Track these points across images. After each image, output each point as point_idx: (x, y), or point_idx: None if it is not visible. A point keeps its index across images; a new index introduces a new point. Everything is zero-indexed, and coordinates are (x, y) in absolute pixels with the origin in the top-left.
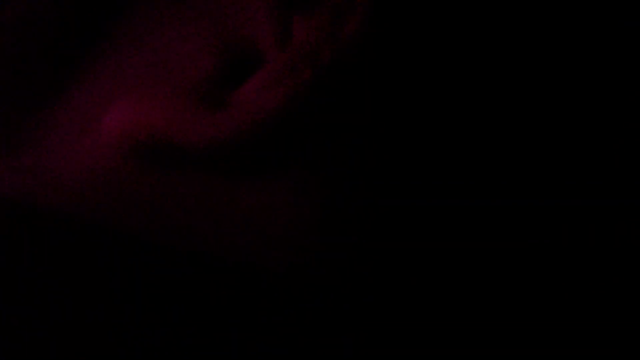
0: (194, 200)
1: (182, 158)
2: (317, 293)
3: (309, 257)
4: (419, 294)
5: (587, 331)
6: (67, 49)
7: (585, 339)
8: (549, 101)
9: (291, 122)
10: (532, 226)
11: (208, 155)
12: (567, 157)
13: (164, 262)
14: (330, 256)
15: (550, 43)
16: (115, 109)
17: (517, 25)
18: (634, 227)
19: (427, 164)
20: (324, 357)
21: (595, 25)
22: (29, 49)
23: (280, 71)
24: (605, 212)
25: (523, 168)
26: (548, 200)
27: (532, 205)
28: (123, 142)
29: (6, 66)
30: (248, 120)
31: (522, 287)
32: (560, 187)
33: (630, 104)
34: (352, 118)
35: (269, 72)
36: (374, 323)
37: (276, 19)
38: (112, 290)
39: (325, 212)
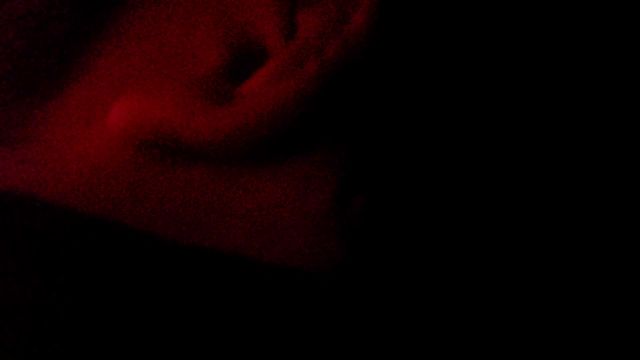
0: (199, 194)
1: (188, 152)
2: (321, 289)
3: (314, 253)
4: (422, 293)
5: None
6: (71, 42)
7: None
8: (549, 104)
9: (296, 116)
10: (532, 231)
11: (213, 150)
12: (567, 159)
13: (168, 257)
14: (335, 253)
15: (551, 46)
16: (120, 102)
17: (520, 22)
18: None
19: (432, 161)
20: (325, 356)
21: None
22: (33, 42)
23: (285, 65)
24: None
25: (522, 167)
26: (548, 207)
27: (533, 209)
28: (128, 136)
29: (10, 60)
30: (253, 115)
31: (522, 292)
32: (559, 193)
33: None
34: (358, 112)
35: (274, 66)
36: (375, 322)
37: (281, 12)
38: (115, 284)
39: (331, 208)
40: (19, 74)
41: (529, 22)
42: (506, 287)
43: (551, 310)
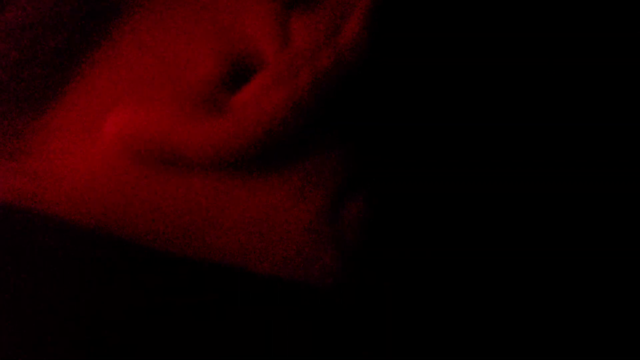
0: (194, 204)
1: (183, 162)
2: (317, 297)
3: (308, 263)
4: (420, 298)
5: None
6: (67, 54)
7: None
8: (551, 105)
9: (290, 126)
10: (535, 231)
11: (208, 159)
12: (568, 160)
13: (165, 267)
14: (330, 262)
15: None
16: (116, 113)
17: (516, 28)
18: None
19: (429, 163)
20: None
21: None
22: (30, 53)
23: (279, 75)
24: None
25: (523, 166)
26: (549, 207)
27: (534, 209)
28: (124, 146)
29: (7, 70)
30: (247, 125)
31: (525, 292)
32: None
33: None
34: (352, 120)
35: (268, 76)
36: (375, 327)
37: (275, 21)
38: (112, 295)
39: (324, 217)
40: (15, 86)
41: (527, 22)
42: (513, 293)
43: (552, 310)
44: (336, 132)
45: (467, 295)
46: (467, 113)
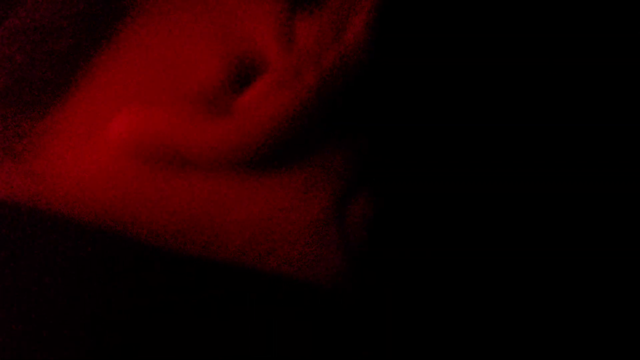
0: (199, 203)
1: (189, 163)
2: (318, 296)
3: (313, 261)
4: (421, 299)
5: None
6: (73, 56)
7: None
8: (553, 105)
9: (295, 127)
10: (535, 231)
11: (213, 161)
12: (569, 161)
13: (168, 266)
14: (335, 261)
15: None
16: (121, 114)
17: (518, 28)
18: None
19: (432, 164)
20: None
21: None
22: (35, 56)
23: (284, 76)
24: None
25: (523, 166)
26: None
27: (535, 209)
28: (129, 148)
29: (13, 73)
30: (252, 127)
31: (527, 292)
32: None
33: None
34: (357, 120)
35: (273, 77)
36: (376, 327)
37: (280, 23)
38: (118, 294)
39: (329, 216)
40: (20, 88)
41: (527, 22)
42: (513, 294)
43: (552, 310)
44: (341, 132)
45: (468, 296)
46: (471, 113)
